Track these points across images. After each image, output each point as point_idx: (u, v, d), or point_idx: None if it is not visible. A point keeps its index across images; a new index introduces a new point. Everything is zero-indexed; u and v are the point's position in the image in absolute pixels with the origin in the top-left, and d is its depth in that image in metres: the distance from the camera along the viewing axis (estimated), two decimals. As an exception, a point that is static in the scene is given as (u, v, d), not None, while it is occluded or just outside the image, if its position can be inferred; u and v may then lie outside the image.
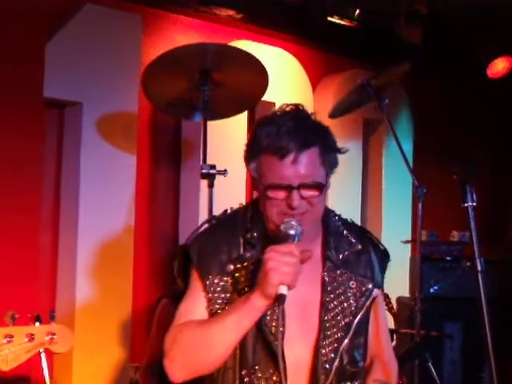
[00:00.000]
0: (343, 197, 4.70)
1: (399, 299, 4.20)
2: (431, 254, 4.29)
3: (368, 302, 1.94)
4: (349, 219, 2.07)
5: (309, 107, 4.90)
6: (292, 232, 1.78)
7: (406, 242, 4.56)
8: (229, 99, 3.18)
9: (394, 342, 3.64)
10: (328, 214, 2.00)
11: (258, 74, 3.12)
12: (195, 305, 1.90)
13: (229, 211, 2.04)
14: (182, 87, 3.11)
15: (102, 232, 3.58)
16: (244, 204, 2.04)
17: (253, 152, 1.87)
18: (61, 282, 3.59)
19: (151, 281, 3.90)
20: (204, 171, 3.02)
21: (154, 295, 3.45)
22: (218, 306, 1.87)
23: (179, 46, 3.18)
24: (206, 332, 1.80)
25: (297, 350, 1.88)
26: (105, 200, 3.58)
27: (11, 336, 2.06)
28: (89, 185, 3.55)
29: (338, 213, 2.05)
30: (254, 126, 1.89)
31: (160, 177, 4.03)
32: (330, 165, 1.89)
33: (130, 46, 3.70)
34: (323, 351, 1.87)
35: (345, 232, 1.99)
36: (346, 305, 1.91)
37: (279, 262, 1.71)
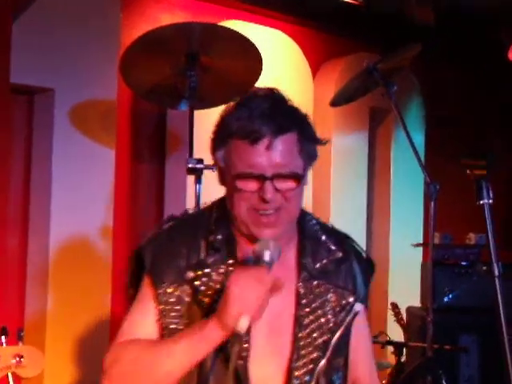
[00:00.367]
0: (347, 195, 4.72)
1: (409, 309, 4.21)
2: (445, 258, 4.29)
3: (348, 318, 1.86)
4: (328, 223, 2.00)
5: (309, 95, 4.90)
6: (267, 257, 1.70)
7: (417, 245, 4.56)
8: (218, 86, 3.18)
9: (404, 357, 3.66)
10: (304, 217, 1.92)
11: (251, 58, 3.12)
12: (143, 317, 1.83)
13: (190, 211, 1.97)
14: (166, 72, 3.10)
15: (76, 234, 3.57)
16: (209, 203, 1.96)
17: (220, 138, 1.81)
18: (30, 291, 3.58)
19: (132, 289, 3.90)
20: (190, 166, 3.02)
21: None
22: (170, 320, 1.80)
23: (162, 25, 3.17)
24: (151, 358, 1.73)
25: (266, 371, 1.80)
26: (80, 198, 3.58)
27: (-28, 358, 2.04)
28: (62, 181, 3.54)
29: (315, 216, 1.97)
30: (221, 112, 1.84)
31: (142, 172, 4.03)
32: (308, 155, 1.82)
33: (107, 25, 3.70)
34: (297, 373, 1.80)
35: (323, 238, 1.92)
36: (323, 320, 1.84)
37: (244, 288, 1.64)
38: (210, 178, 3.10)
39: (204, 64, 3.07)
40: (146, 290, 1.84)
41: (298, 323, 1.82)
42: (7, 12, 3.30)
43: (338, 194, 4.66)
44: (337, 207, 4.65)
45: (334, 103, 3.61)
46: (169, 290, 1.80)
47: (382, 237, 4.97)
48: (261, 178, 1.75)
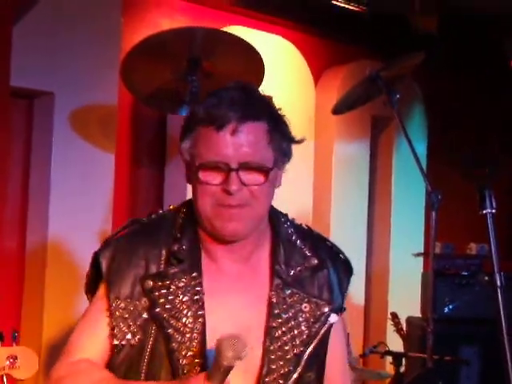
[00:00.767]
0: (348, 203, 4.71)
1: (409, 319, 4.20)
2: (446, 268, 4.28)
3: (323, 330, 1.77)
4: (303, 225, 1.90)
5: (310, 102, 4.89)
6: (229, 363, 1.53)
7: (418, 255, 4.56)
8: (220, 91, 3.18)
9: (403, 368, 3.65)
10: (278, 218, 1.83)
11: (253, 64, 3.12)
12: (94, 331, 1.73)
13: (153, 215, 1.85)
14: (167, 77, 3.10)
15: (75, 239, 3.56)
16: (174, 206, 1.86)
17: (186, 127, 1.72)
18: (27, 297, 3.58)
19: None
20: (191, 172, 3.02)
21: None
22: (121, 336, 1.70)
23: (164, 30, 3.17)
24: None
25: None
26: (78, 203, 3.57)
27: (-36, 359, 2.02)
28: (60, 186, 3.53)
29: (290, 217, 1.88)
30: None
31: (141, 177, 4.03)
32: (280, 150, 1.72)
33: (108, 30, 3.69)
34: None
35: (298, 242, 1.82)
36: (296, 332, 1.74)
37: None
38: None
39: (205, 69, 3.07)
40: (100, 301, 1.75)
41: (270, 335, 1.73)
42: (8, 15, 3.30)
43: (339, 202, 4.66)
44: (337, 216, 4.64)
45: (336, 111, 3.61)
46: (122, 304, 1.71)
47: (383, 246, 4.95)
48: (226, 169, 1.66)
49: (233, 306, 1.73)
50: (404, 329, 3.99)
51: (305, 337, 1.75)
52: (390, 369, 3.81)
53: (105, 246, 1.80)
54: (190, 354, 1.67)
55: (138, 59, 3.06)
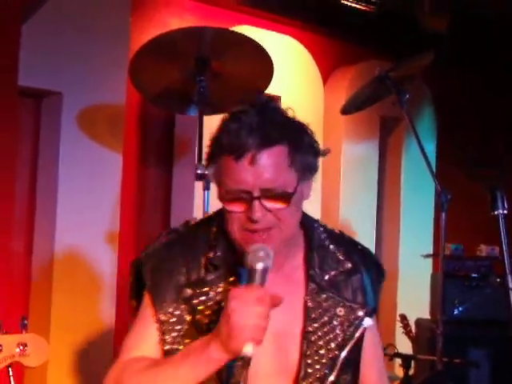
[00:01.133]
0: (356, 204, 4.70)
1: (418, 321, 4.18)
2: (455, 270, 4.27)
3: (358, 333, 1.82)
4: (336, 230, 1.95)
5: (319, 102, 4.89)
6: (259, 266, 1.62)
7: (427, 256, 4.54)
8: (228, 91, 3.17)
9: (412, 370, 3.63)
10: (311, 225, 1.88)
11: (262, 64, 3.12)
12: (145, 337, 1.80)
13: (192, 222, 1.93)
14: (176, 77, 3.10)
15: (82, 240, 3.57)
16: (209, 214, 1.93)
17: (211, 155, 1.77)
18: (34, 295, 3.58)
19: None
20: (199, 172, 3.01)
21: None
22: (171, 340, 1.78)
23: (173, 30, 3.17)
24: (153, 379, 1.71)
25: None
26: (86, 203, 3.57)
27: (-25, 347, 2.02)
28: (68, 186, 3.54)
29: (322, 223, 1.93)
30: (219, 123, 1.78)
31: (149, 177, 4.03)
32: (303, 168, 1.73)
33: (117, 29, 3.70)
34: None
35: (331, 247, 1.87)
36: (331, 336, 1.80)
37: (246, 314, 1.58)
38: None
39: (214, 69, 3.06)
40: (147, 310, 1.81)
41: (306, 340, 1.79)
42: (16, 15, 3.30)
43: (348, 202, 4.65)
44: (346, 216, 4.63)
45: (345, 111, 3.61)
46: (169, 310, 1.78)
47: (392, 247, 4.94)
48: (248, 197, 1.69)
49: None
50: (413, 331, 3.98)
51: (340, 340, 1.81)
52: (398, 371, 3.80)
53: (145, 256, 1.86)
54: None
55: (146, 59, 3.06)
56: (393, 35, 4.57)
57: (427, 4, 4.50)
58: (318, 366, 1.78)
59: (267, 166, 1.68)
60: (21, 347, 2.10)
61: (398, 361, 3.67)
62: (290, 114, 1.78)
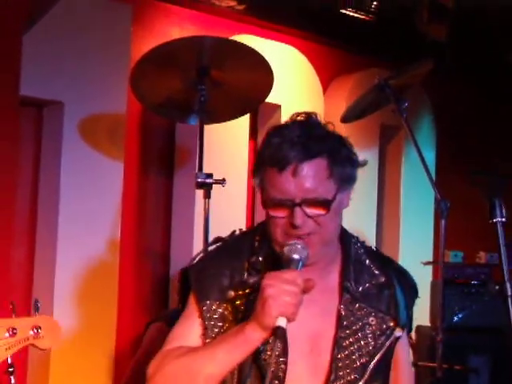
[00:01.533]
0: (356, 212, 4.69)
1: (418, 328, 4.18)
2: (455, 277, 4.28)
3: (388, 342, 1.92)
4: (372, 247, 2.08)
5: (319, 110, 4.91)
6: (296, 256, 1.78)
7: (427, 263, 4.54)
8: (229, 100, 3.19)
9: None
10: (349, 240, 2.01)
11: (262, 73, 3.13)
12: (189, 331, 1.92)
13: (237, 232, 2.10)
14: (177, 86, 3.11)
15: (83, 248, 3.57)
16: (253, 226, 2.07)
17: (256, 166, 1.91)
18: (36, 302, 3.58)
19: (138, 305, 3.89)
20: (200, 180, 3.02)
21: (141, 321, 3.44)
22: (214, 336, 1.88)
23: (173, 39, 3.18)
24: (192, 362, 1.82)
25: None
26: (87, 212, 3.58)
27: (-11, 330, 2.02)
28: (69, 195, 3.55)
29: (361, 239, 2.06)
30: (264, 135, 1.93)
31: (150, 186, 4.03)
32: (342, 178, 1.88)
33: (118, 39, 3.71)
34: None
35: (367, 262, 1.99)
36: (362, 343, 1.90)
37: (279, 290, 1.71)
38: (219, 192, 3.13)
39: (214, 78, 3.08)
40: (192, 306, 1.93)
41: (338, 344, 1.88)
42: (18, 25, 3.31)
43: (347, 210, 4.64)
44: (345, 224, 4.60)
45: (345, 119, 3.61)
46: (213, 307, 1.90)
47: (392, 254, 4.87)
48: (290, 205, 1.82)
49: (303, 314, 1.79)
50: (413, 338, 3.98)
51: (371, 348, 1.90)
52: (399, 378, 3.79)
53: (192, 261, 2.05)
54: (274, 353, 1.79)
55: (147, 68, 3.07)
56: (392, 44, 4.58)
57: (426, 13, 4.51)
58: (348, 370, 1.88)
59: (308, 177, 1.82)
60: (35, 330, 2.11)
61: (399, 368, 3.67)
62: (330, 127, 1.91)
